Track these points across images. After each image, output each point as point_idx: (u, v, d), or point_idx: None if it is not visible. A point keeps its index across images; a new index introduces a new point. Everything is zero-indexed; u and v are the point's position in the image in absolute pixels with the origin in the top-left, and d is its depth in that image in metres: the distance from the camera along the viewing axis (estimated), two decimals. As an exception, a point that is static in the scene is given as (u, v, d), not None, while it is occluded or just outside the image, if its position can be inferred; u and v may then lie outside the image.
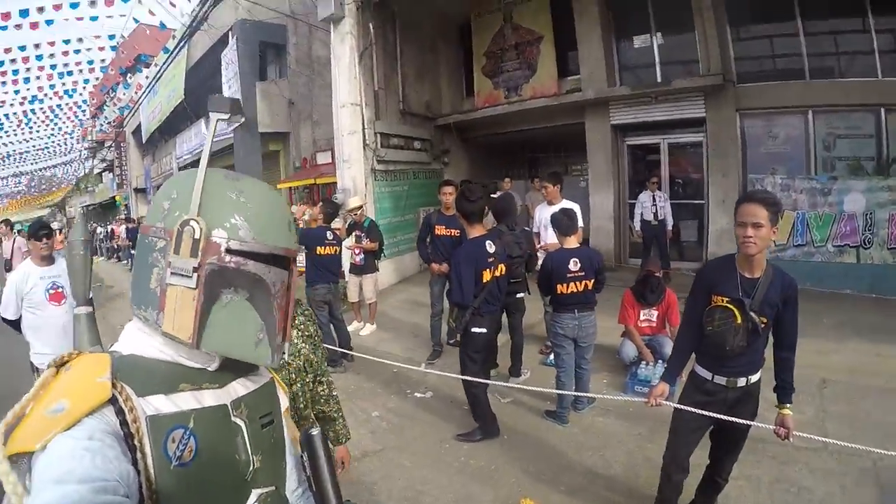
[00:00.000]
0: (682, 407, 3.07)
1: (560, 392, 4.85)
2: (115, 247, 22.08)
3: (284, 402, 1.32)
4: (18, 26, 11.15)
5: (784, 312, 2.85)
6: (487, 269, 4.39)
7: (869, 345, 5.79)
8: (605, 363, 5.97)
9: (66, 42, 13.22)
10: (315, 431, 1.20)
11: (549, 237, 5.98)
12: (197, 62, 17.48)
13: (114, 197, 32.45)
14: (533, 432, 4.82)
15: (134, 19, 15.61)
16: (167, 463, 0.94)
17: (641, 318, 5.74)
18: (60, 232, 11.28)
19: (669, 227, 9.59)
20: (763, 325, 2.82)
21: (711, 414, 2.97)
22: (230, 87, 14.16)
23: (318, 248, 6.51)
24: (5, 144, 21.52)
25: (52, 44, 13.42)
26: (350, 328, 7.39)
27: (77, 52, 13.79)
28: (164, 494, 0.93)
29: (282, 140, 15.26)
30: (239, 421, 1.11)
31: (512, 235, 5.45)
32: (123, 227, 20.52)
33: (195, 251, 0.99)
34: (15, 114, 18.84)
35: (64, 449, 0.78)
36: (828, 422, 4.44)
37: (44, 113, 21.22)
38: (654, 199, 9.45)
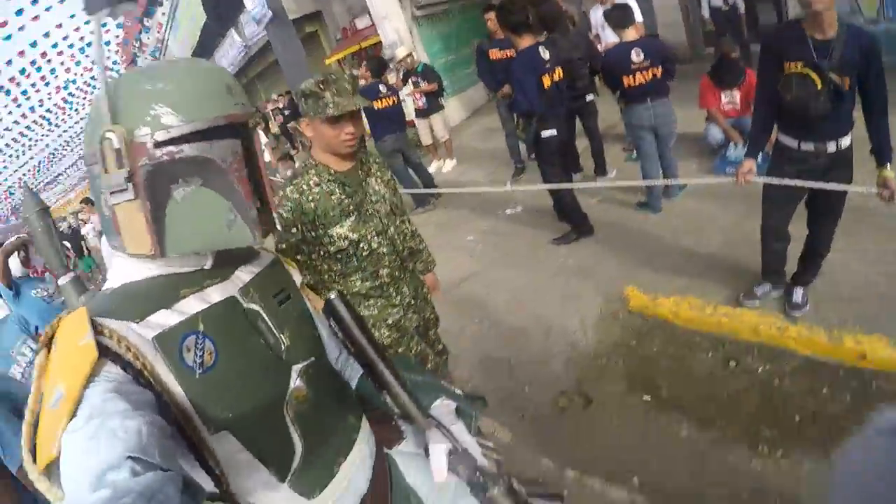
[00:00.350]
0: (773, 180, 2.96)
1: (647, 183, 4.82)
2: None
3: (297, 277, 1.31)
4: (36, 18, 10.93)
5: (868, 71, 2.60)
6: (546, 75, 4.34)
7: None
8: (692, 150, 5.76)
9: (72, 16, 12.89)
10: (333, 295, 1.12)
11: (609, 37, 5.88)
12: (210, -25, 17.02)
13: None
14: (627, 224, 4.85)
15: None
16: (191, 374, 0.93)
17: (724, 100, 5.46)
18: None
19: (741, 11, 8.35)
20: (847, 87, 2.61)
21: (803, 183, 2.86)
22: None
23: (375, 102, 6.50)
24: (60, 136, 22.19)
25: (59, 26, 13.14)
26: (431, 168, 7.71)
27: (87, 22, 13.48)
28: (201, 404, 0.93)
29: (316, 19, 14.79)
30: (253, 305, 1.09)
31: (566, 40, 5.30)
32: None
33: (121, 161, 0.92)
34: (56, 105, 19.09)
35: (69, 452, 0.73)
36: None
37: (81, 91, 21.41)
38: None
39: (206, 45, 21.80)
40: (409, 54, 7.77)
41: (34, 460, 0.75)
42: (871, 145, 2.75)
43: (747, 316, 3.29)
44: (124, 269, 1.03)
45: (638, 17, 5.34)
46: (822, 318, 3.13)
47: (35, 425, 0.79)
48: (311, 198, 2.06)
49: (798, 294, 3.27)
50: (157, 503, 0.68)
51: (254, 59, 18.23)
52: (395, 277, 2.29)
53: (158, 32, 25.22)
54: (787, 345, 3.07)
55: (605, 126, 6.27)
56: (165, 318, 0.94)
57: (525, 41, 4.37)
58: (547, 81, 4.36)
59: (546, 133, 4.43)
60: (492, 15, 6.22)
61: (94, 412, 0.76)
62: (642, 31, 5.23)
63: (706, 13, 8.69)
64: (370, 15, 11.19)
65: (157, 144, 0.91)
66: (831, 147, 2.78)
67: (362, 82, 6.93)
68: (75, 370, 0.80)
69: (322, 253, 2.15)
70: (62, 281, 2.31)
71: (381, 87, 6.70)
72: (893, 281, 3.25)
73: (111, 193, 0.93)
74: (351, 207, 2.10)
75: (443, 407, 1.20)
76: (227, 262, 1.11)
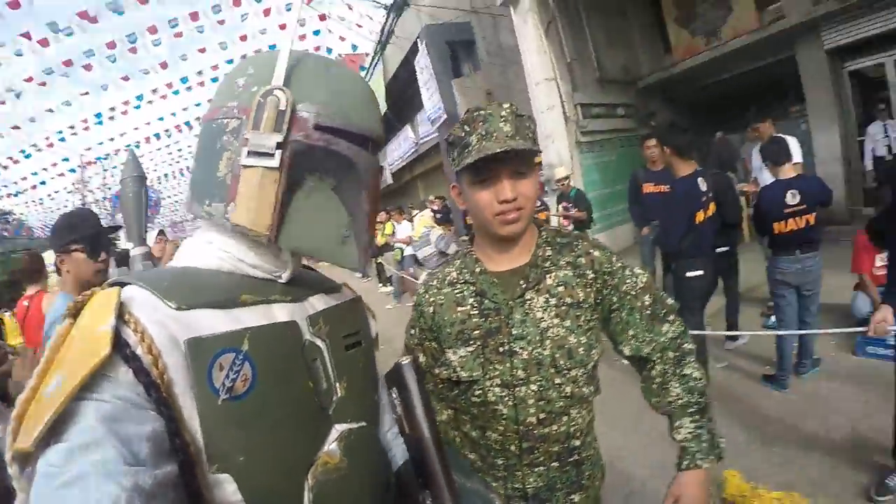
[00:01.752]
0: None
1: (780, 352, 4.37)
2: None
3: (374, 329, 1.16)
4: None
5: None
6: (701, 210, 4.05)
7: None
8: (833, 322, 5.02)
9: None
10: (405, 361, 0.98)
11: (766, 179, 5.18)
12: (393, 75, 18.39)
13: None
14: (747, 399, 4.44)
15: (327, 49, 17.03)
16: (213, 397, 0.77)
17: (877, 264, 4.75)
18: None
19: None
20: None
21: None
22: (428, 88, 14.84)
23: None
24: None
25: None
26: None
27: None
28: (212, 439, 0.77)
29: (484, 128, 15.69)
30: (317, 341, 0.96)
31: (724, 177, 5.00)
32: None
33: (280, 125, 0.85)
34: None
35: (44, 485, 0.61)
36: None
37: None
38: (885, 130, 8.21)
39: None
40: (568, 176, 7.82)
41: (14, 439, 0.65)
42: None
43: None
44: (194, 251, 0.94)
45: (797, 156, 4.97)
46: None
47: (29, 403, 0.68)
48: (432, 299, 1.49)
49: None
50: None
51: (422, 158, 19.24)
52: (510, 455, 1.44)
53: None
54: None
55: (745, 286, 5.96)
56: (211, 321, 0.82)
57: (685, 168, 4.15)
58: (700, 216, 4.06)
59: (692, 273, 4.09)
60: (652, 142, 5.99)
61: (76, 451, 0.62)
62: (799, 169, 4.85)
63: (868, 164, 8.33)
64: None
65: (318, 127, 0.87)
66: None
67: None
68: (79, 363, 0.68)
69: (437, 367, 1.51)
70: (134, 252, 2.26)
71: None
72: None
73: (249, 154, 0.85)
74: (476, 333, 1.40)
75: None
76: (304, 282, 1.01)
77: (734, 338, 5.36)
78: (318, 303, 1.00)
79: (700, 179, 4.08)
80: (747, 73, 11.25)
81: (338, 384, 0.96)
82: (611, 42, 11.99)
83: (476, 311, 1.41)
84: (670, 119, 4.66)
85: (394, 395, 0.98)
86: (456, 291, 1.45)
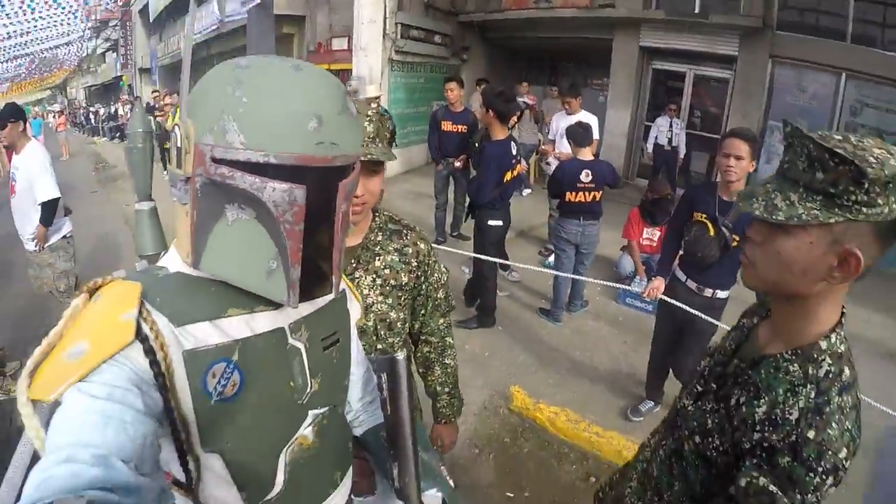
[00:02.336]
0: (665, 298, 3.47)
1: (556, 293, 5.17)
2: (119, 126, 21.38)
3: (356, 312, 1.23)
4: None
5: None
6: (509, 171, 4.68)
7: (860, 309, 5.46)
8: (600, 272, 6.09)
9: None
10: (401, 356, 1.11)
11: (564, 147, 6.10)
12: (211, -65, 16.69)
13: (119, 77, 31.66)
14: (526, 327, 5.12)
15: None
16: (206, 398, 0.87)
17: (644, 235, 5.81)
18: (62, 114, 11.23)
19: (681, 155, 9.66)
20: (735, 244, 3.12)
21: (685, 307, 3.33)
22: None
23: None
24: (5, 26, 20.66)
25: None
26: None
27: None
28: (205, 429, 0.88)
29: (297, 23, 14.70)
30: (298, 343, 1.00)
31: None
32: (129, 107, 19.52)
33: (180, 160, 0.86)
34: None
35: (76, 410, 0.71)
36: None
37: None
38: (670, 125, 9.48)
39: (181, 4, 20.97)
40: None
41: (29, 384, 0.73)
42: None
43: (616, 439, 3.52)
44: (180, 257, 0.96)
45: (596, 133, 5.70)
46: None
47: (44, 356, 0.76)
48: None
49: (645, 407, 3.83)
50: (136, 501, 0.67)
51: (222, 38, 17.70)
52: None
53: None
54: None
55: (527, 225, 6.77)
56: (204, 333, 0.88)
57: (501, 132, 4.61)
58: (508, 176, 4.66)
59: (493, 222, 4.72)
60: (453, 86, 6.45)
61: (115, 396, 0.73)
62: (594, 149, 5.51)
63: (650, 147, 9.67)
64: (349, 40, 11.36)
65: (214, 160, 0.80)
66: (708, 292, 3.30)
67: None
68: (106, 340, 0.77)
69: None
70: (140, 206, 2.30)
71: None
72: None
73: (171, 186, 0.89)
74: None
75: (432, 498, 1.22)
76: None
77: (506, 268, 5.98)
78: (303, 307, 0.99)
79: (512, 144, 4.73)
80: (566, 39, 11.81)
81: (313, 380, 1.03)
82: None
83: None
84: (499, 89, 4.83)
85: (383, 379, 1.14)
86: None
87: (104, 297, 0.84)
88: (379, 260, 1.62)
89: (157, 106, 15.41)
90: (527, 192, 9.62)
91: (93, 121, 26.72)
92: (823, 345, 1.05)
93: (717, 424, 1.16)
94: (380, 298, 1.62)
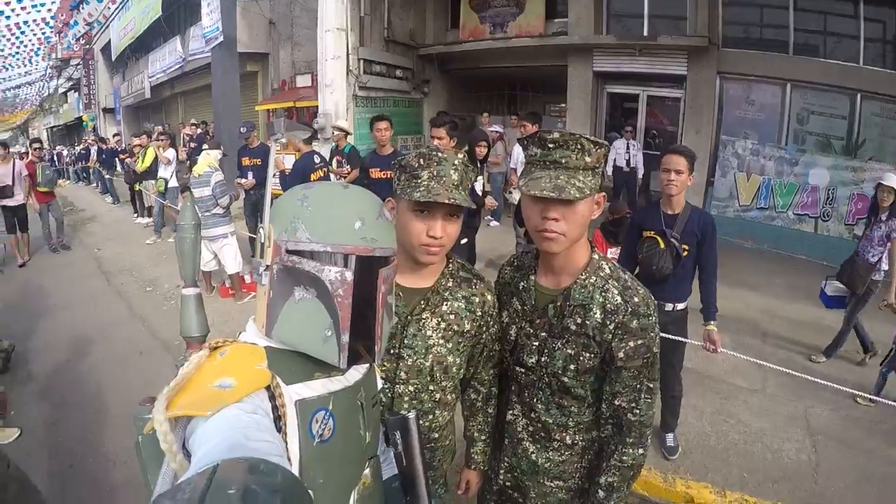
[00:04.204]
0: None
1: None
2: (84, 168, 20.76)
3: (380, 384, 1.41)
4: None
5: (703, 243, 3.36)
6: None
7: (814, 309, 6.00)
8: None
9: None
10: (412, 415, 1.33)
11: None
12: (176, -24, 16.87)
13: (80, 117, 31.32)
14: None
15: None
16: (311, 441, 1.06)
17: (609, 255, 5.79)
18: (27, 154, 11.14)
19: (640, 176, 9.92)
20: (686, 253, 3.34)
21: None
22: (209, 3, 13.67)
23: (311, 174, 6.34)
24: None
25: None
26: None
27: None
28: (306, 467, 1.05)
29: (260, 61, 14.95)
30: (359, 402, 1.23)
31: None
32: (95, 147, 18.83)
33: (263, 253, 1.14)
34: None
35: (231, 414, 0.88)
36: (767, 371, 4.72)
37: (8, 29, 20.25)
38: (627, 147, 9.74)
39: (144, 42, 21.00)
40: (348, 133, 7.85)
41: (166, 406, 0.90)
42: (701, 305, 3.44)
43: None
44: (262, 335, 1.16)
45: None
46: (659, 464, 3.67)
47: (176, 392, 0.95)
48: None
49: (670, 438, 3.78)
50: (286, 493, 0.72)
51: (188, 76, 17.84)
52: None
53: (108, 7, 24.21)
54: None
55: (497, 255, 6.98)
56: (303, 390, 1.09)
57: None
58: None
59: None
60: (383, 125, 5.82)
61: (258, 411, 0.93)
62: None
63: (609, 170, 9.76)
64: (313, 77, 11.52)
65: (288, 251, 1.09)
66: (668, 307, 3.44)
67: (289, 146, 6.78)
68: (250, 379, 0.99)
69: None
70: (186, 292, 2.49)
71: (316, 158, 6.65)
72: (721, 437, 3.93)
73: (257, 273, 1.14)
74: None
75: None
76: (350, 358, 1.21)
77: None
78: (356, 374, 1.24)
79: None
80: (522, 68, 12.23)
81: (367, 432, 1.25)
82: (406, 5, 12.13)
83: None
84: (448, 117, 5.12)
85: (397, 437, 1.36)
86: None
87: (232, 353, 1.07)
88: (446, 305, 1.66)
89: (121, 150, 15.40)
90: (494, 223, 9.79)
91: (56, 163, 26.39)
92: (596, 261, 1.63)
93: (581, 345, 1.59)
94: (441, 342, 1.66)
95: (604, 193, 1.60)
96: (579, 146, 1.45)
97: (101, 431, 3.98)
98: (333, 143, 7.86)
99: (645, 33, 10.40)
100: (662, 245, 3.35)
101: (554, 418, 1.72)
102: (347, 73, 10.17)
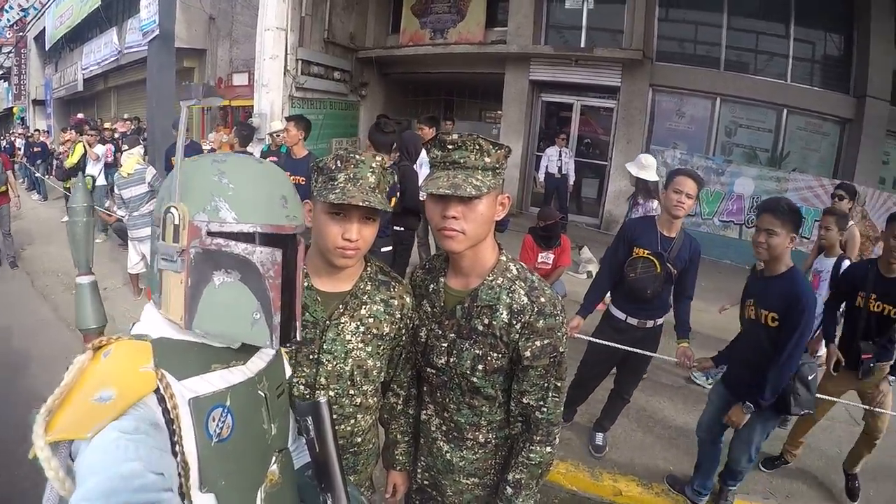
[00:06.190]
0: (595, 340, 3.66)
1: None
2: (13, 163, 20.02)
3: (288, 371, 1.38)
4: None
5: (689, 268, 3.44)
6: (392, 197, 4.50)
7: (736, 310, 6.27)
8: None
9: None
10: (324, 399, 1.27)
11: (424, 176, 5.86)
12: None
13: (10, 108, 30.07)
14: None
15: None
16: (208, 441, 1.01)
17: (539, 260, 5.90)
18: None
19: (571, 182, 10.16)
20: (675, 276, 3.38)
21: (622, 346, 3.56)
22: None
23: None
24: None
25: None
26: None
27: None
28: (205, 469, 1.01)
29: (197, 57, 14.69)
30: (262, 392, 1.18)
31: (407, 167, 5.32)
32: (22, 140, 17.97)
33: (177, 237, 1.02)
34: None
35: (110, 440, 0.81)
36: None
37: None
38: (560, 155, 9.94)
39: (79, 32, 20.34)
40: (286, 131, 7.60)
41: (45, 428, 0.83)
42: (675, 323, 3.54)
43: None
44: (162, 322, 1.09)
45: None
46: (586, 459, 3.86)
47: (57, 405, 0.88)
48: None
49: (600, 438, 3.94)
50: None
51: (122, 69, 17.32)
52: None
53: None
54: (555, 479, 3.66)
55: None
56: (198, 385, 1.03)
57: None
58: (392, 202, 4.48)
59: (384, 249, 4.66)
60: (290, 126, 5.93)
61: (141, 428, 0.86)
62: None
63: (541, 176, 10.07)
64: (250, 75, 11.41)
65: (210, 233, 1.00)
66: (649, 323, 3.53)
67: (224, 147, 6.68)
68: (131, 387, 0.91)
69: None
70: (81, 280, 2.49)
71: None
72: (648, 434, 4.21)
73: (161, 259, 1.04)
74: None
75: None
76: (249, 346, 1.17)
77: None
78: (259, 362, 1.20)
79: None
80: (461, 74, 12.39)
81: (273, 424, 1.21)
82: (347, 7, 12.14)
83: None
84: (381, 120, 4.98)
85: (308, 423, 1.29)
86: None
87: (116, 353, 0.99)
88: (365, 308, 1.65)
89: (54, 152, 14.79)
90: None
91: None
92: (503, 262, 1.67)
93: (489, 346, 1.62)
94: (360, 346, 1.65)
95: (508, 195, 1.66)
96: (478, 147, 1.50)
97: (26, 440, 3.82)
98: (265, 145, 7.77)
99: (582, 45, 10.73)
100: (659, 269, 3.34)
101: (466, 418, 1.75)
102: (285, 73, 10.12)
